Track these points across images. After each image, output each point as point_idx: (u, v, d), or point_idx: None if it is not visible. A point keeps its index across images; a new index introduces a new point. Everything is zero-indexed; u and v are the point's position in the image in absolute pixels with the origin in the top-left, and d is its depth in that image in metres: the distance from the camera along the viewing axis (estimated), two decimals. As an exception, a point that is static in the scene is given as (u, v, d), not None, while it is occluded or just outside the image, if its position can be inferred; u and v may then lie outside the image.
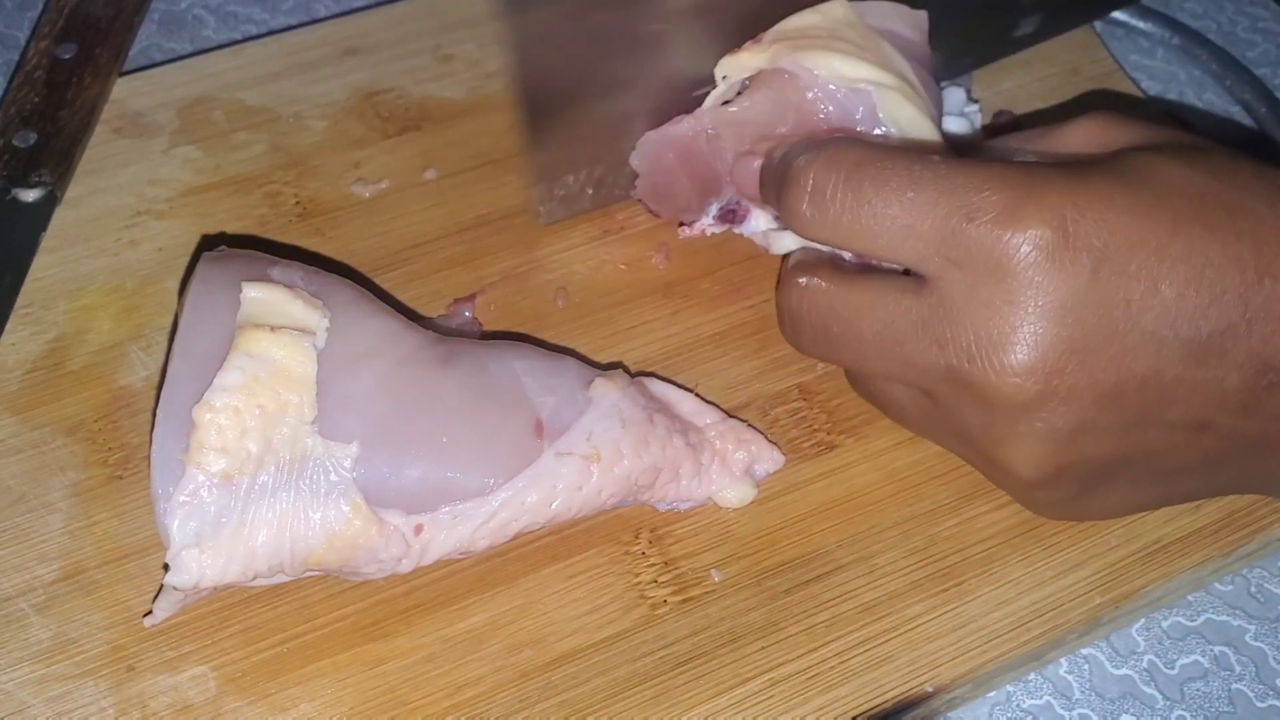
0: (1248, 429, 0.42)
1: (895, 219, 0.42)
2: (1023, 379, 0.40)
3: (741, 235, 0.55)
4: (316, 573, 0.43)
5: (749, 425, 0.50)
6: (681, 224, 0.55)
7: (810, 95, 0.50)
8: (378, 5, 0.67)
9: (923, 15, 0.54)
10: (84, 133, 0.59)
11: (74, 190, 0.58)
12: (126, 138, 0.60)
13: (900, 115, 0.50)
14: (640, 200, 0.55)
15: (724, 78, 0.53)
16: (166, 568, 0.41)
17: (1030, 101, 0.63)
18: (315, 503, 0.41)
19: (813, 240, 0.45)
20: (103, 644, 0.44)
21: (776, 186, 0.46)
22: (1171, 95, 0.68)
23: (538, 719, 0.43)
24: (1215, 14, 0.73)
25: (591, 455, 0.45)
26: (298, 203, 0.58)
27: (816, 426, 0.51)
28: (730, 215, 0.54)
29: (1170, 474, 0.43)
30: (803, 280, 0.46)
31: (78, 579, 0.45)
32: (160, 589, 0.43)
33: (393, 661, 0.44)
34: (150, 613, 0.43)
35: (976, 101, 0.58)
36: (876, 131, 0.50)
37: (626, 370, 0.50)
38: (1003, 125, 0.61)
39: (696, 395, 0.50)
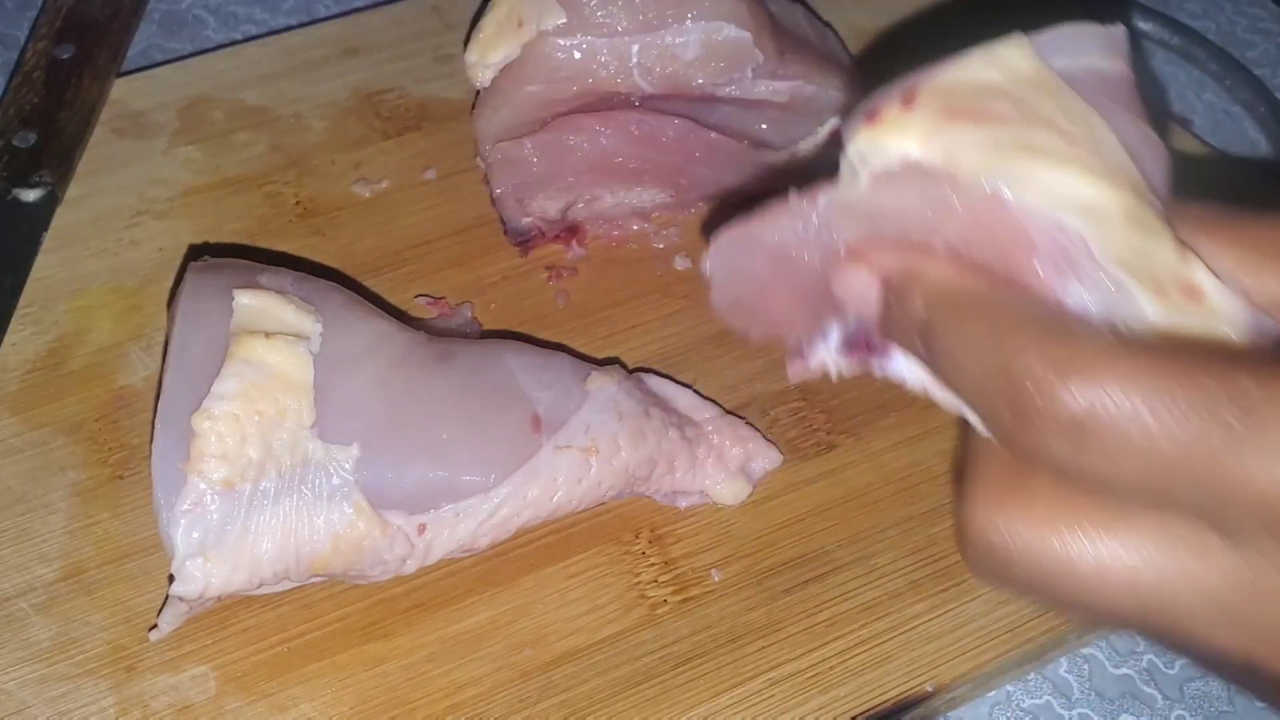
0: None
1: (1205, 483, 0.29)
2: None
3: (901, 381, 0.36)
4: (321, 578, 0.43)
5: (747, 423, 0.50)
6: (790, 355, 0.38)
7: (999, 217, 0.32)
8: (378, 5, 0.67)
9: (1119, 32, 0.35)
10: (83, 133, 0.59)
11: (74, 190, 0.58)
12: (127, 138, 0.60)
13: (1127, 249, 0.32)
14: (721, 316, 0.38)
15: (861, 159, 0.34)
16: (171, 579, 0.41)
17: (1030, 101, 0.63)
18: (318, 506, 0.41)
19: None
20: (103, 644, 0.44)
21: (979, 366, 0.31)
22: (1171, 95, 0.68)
23: (538, 718, 0.43)
24: (1215, 14, 0.73)
25: (589, 448, 0.45)
26: (298, 203, 0.58)
27: (816, 426, 0.51)
28: (865, 345, 0.36)
29: None
30: (1016, 508, 0.32)
31: (78, 579, 0.45)
32: (165, 600, 0.43)
33: (393, 661, 0.44)
34: (155, 626, 0.43)
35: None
36: (1097, 281, 0.32)
37: (623, 365, 0.50)
38: None
39: (694, 391, 0.50)
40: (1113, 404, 0.29)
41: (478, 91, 0.55)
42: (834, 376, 0.37)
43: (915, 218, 0.34)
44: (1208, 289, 0.32)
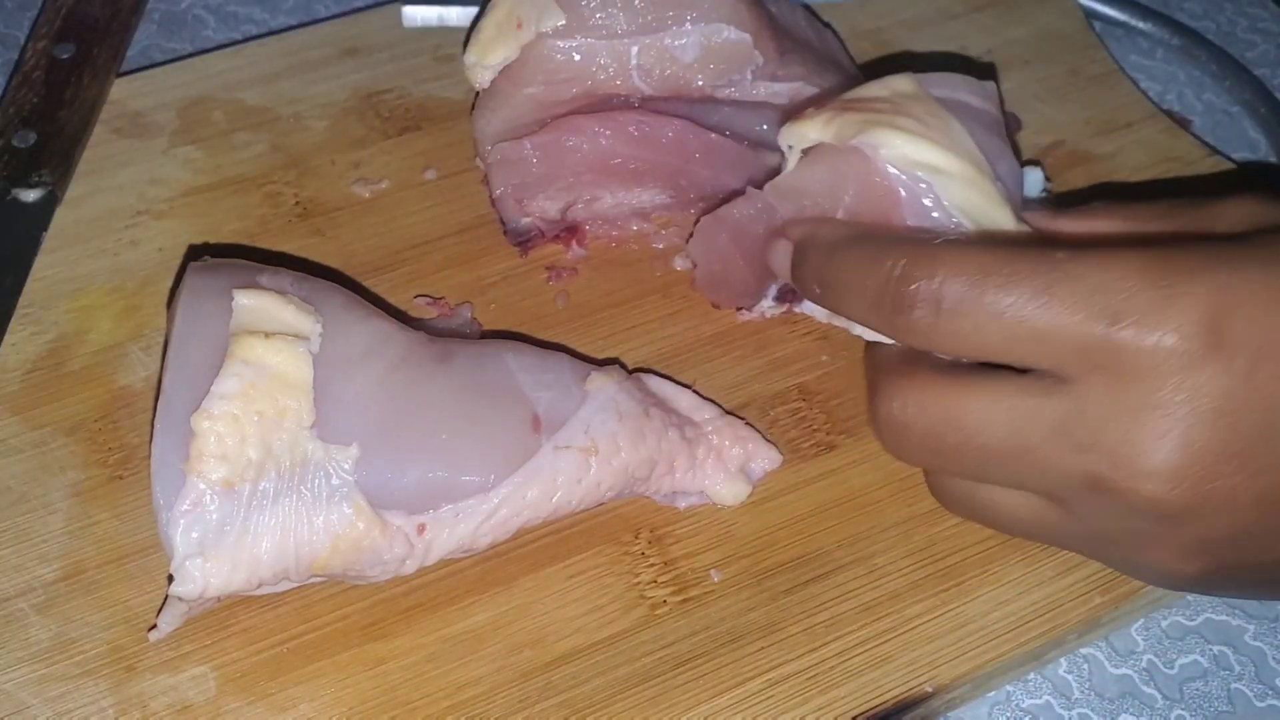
0: None
1: (1030, 328, 0.38)
2: (1175, 485, 0.37)
3: (802, 313, 0.51)
4: (321, 579, 0.43)
5: (746, 423, 0.50)
6: (740, 308, 0.53)
7: (873, 177, 0.46)
8: (378, 5, 0.67)
9: (991, 86, 0.50)
10: (83, 133, 0.59)
11: (74, 190, 0.58)
12: (126, 138, 0.60)
13: (968, 204, 0.45)
14: (699, 289, 0.53)
15: (789, 147, 0.49)
16: (171, 579, 0.41)
17: (1030, 102, 0.63)
18: (318, 507, 0.41)
19: (935, 350, 0.42)
20: (103, 644, 0.44)
21: (856, 288, 0.42)
22: (1171, 95, 0.68)
23: (538, 719, 0.43)
24: (1215, 14, 0.73)
25: (589, 448, 0.45)
26: (298, 203, 0.58)
27: (816, 426, 0.51)
28: (791, 294, 0.51)
29: None
30: (908, 386, 0.42)
31: (78, 579, 0.45)
32: (165, 600, 0.43)
33: (393, 661, 0.44)
34: (155, 626, 0.43)
35: (1049, 182, 0.54)
36: (948, 222, 0.45)
37: (623, 366, 0.50)
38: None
39: (694, 392, 0.50)
40: (955, 279, 0.39)
41: (477, 92, 0.55)
42: (767, 316, 0.53)
43: (824, 189, 0.47)
44: None
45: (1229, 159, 0.62)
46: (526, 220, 0.56)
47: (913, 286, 0.40)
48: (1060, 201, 0.49)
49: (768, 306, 0.52)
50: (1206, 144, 0.62)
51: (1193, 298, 0.37)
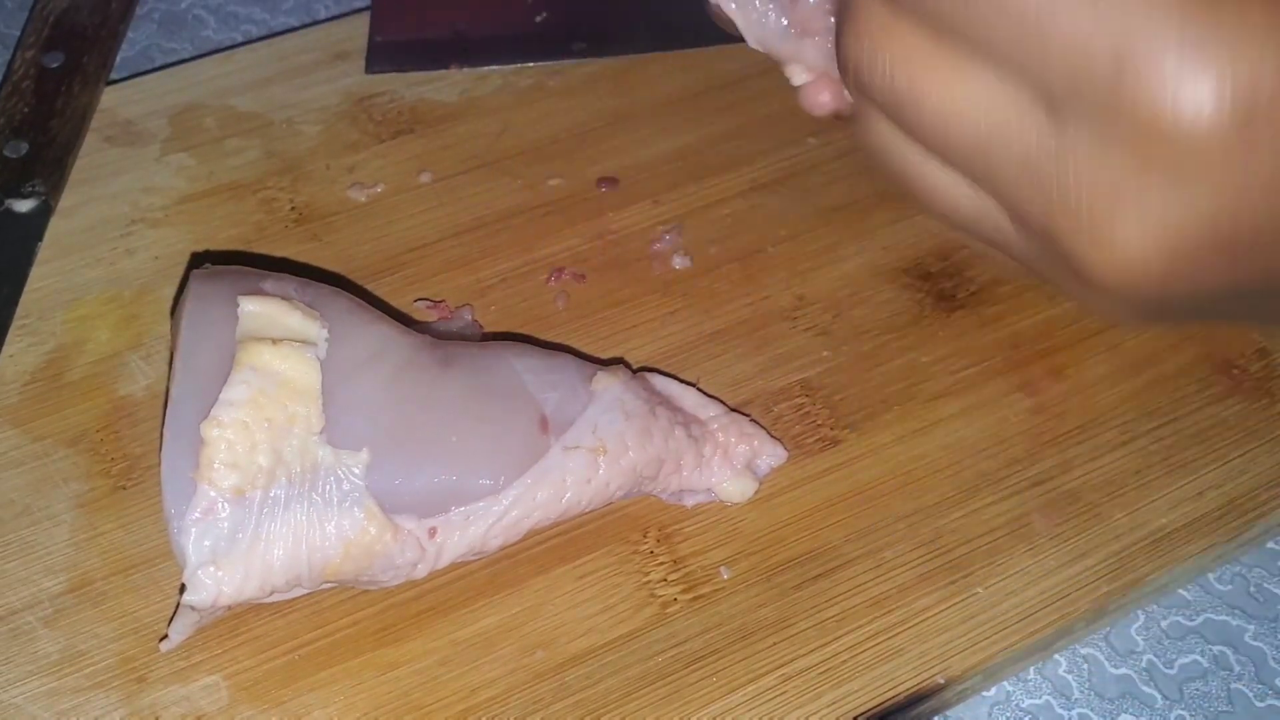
0: None
1: (1020, 29, 0.30)
2: (1138, 266, 0.30)
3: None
4: (332, 584, 0.43)
5: (751, 420, 0.50)
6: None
7: None
8: (369, 9, 0.67)
9: None
10: (75, 141, 0.59)
11: (68, 200, 0.57)
12: (119, 146, 0.60)
13: None
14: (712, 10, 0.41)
15: None
16: (183, 588, 0.41)
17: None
18: (329, 512, 0.41)
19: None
20: (112, 655, 0.44)
21: None
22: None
23: (552, 720, 0.43)
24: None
25: (598, 448, 0.45)
26: (293, 208, 0.58)
27: (820, 422, 0.51)
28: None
29: None
30: (899, 50, 0.33)
31: (85, 591, 0.45)
32: (176, 610, 0.42)
33: (405, 666, 0.44)
34: (166, 637, 0.43)
35: None
36: None
37: (627, 365, 0.50)
38: None
39: (698, 389, 0.50)
40: None
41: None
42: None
43: None
44: None
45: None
46: None
47: None
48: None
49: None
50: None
51: (1240, 62, 0.27)
